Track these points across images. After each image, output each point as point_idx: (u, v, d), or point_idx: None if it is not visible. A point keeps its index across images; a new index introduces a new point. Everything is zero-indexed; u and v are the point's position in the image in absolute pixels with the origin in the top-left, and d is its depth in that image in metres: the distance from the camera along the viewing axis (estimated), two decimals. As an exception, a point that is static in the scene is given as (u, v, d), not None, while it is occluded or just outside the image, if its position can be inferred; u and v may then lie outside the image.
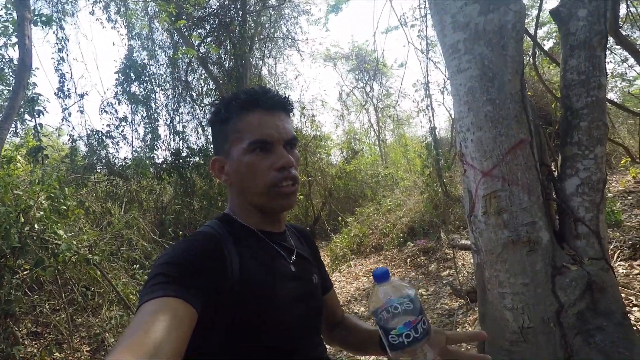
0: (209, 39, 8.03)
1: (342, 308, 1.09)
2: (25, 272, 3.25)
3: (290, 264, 0.83)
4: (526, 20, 2.06)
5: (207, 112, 8.10)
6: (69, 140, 6.47)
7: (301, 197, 9.77)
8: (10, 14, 4.50)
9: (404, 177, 10.47)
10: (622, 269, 3.14)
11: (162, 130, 7.64)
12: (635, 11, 4.14)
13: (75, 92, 6.55)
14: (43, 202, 3.21)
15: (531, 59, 2.99)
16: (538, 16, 2.98)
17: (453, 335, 0.82)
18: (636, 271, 3.06)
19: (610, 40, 2.32)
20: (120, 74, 6.78)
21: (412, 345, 0.66)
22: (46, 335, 3.76)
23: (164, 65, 8.10)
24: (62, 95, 6.39)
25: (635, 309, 2.55)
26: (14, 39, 4.24)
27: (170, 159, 7.33)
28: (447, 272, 4.56)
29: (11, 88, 3.70)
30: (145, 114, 7.13)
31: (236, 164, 0.79)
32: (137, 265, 4.26)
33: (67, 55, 6.37)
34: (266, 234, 0.83)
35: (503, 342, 1.84)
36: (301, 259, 0.88)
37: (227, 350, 0.70)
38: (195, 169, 7.39)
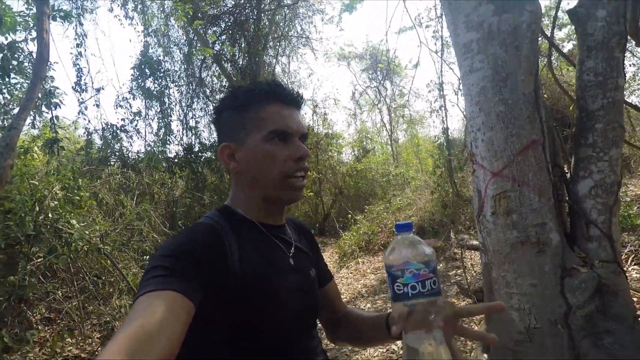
0: (223, 37, 8.10)
1: (344, 303, 1.05)
2: (39, 260, 3.34)
3: (290, 257, 0.83)
4: (544, 21, 2.04)
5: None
6: (84, 133, 6.61)
7: (311, 194, 9.80)
8: (31, 9, 4.61)
9: (415, 177, 10.43)
10: (636, 273, 3.08)
11: (175, 126, 7.76)
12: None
13: (92, 87, 6.69)
14: (58, 192, 3.30)
15: (547, 60, 2.95)
16: (555, 17, 2.93)
17: (464, 312, 0.72)
18: (650, 276, 3.01)
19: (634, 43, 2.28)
20: (135, 70, 6.90)
21: (416, 298, 0.61)
22: (59, 321, 3.85)
23: (179, 62, 8.20)
24: (79, 89, 6.52)
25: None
26: (34, 34, 4.35)
27: (182, 153, 7.42)
28: (455, 271, 4.53)
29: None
30: (159, 109, 7.24)
31: (252, 151, 0.79)
32: (147, 257, 4.34)
33: (85, 50, 6.50)
34: (266, 227, 0.83)
35: (508, 342, 1.83)
36: (300, 252, 0.88)
37: (225, 342, 0.70)
38: (206, 164, 7.48)
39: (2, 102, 4.54)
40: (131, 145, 6.94)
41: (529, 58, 1.73)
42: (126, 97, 6.93)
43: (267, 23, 8.75)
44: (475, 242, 4.93)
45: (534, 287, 1.73)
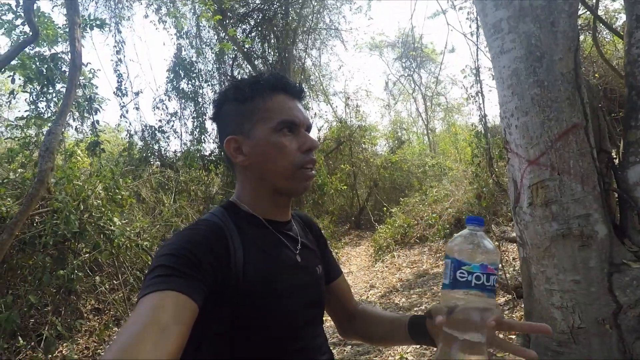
0: (253, 34, 8.18)
1: (356, 300, 1.02)
2: (86, 255, 3.56)
3: (296, 254, 0.82)
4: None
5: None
6: (126, 135, 6.96)
7: (345, 187, 9.74)
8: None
9: (453, 167, 10.07)
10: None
11: (210, 124, 7.97)
12: None
13: (132, 91, 7.02)
14: (100, 192, 3.48)
15: (592, 34, 2.70)
16: (601, -14, 2.67)
17: (505, 325, 0.64)
18: None
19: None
20: (170, 72, 7.15)
21: (478, 289, 0.59)
22: (107, 311, 4.10)
23: (211, 62, 8.39)
24: (120, 94, 6.87)
25: None
26: (75, 44, 4.62)
27: (217, 151, 7.62)
28: (496, 266, 4.32)
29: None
30: (193, 109, 7.47)
31: (261, 143, 0.77)
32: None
33: (124, 56, 6.82)
34: (272, 223, 0.81)
35: (550, 342, 1.70)
36: (306, 248, 0.86)
37: (227, 340, 0.70)
38: (240, 160, 7.61)
39: (53, 110, 4.87)
40: (168, 145, 7.24)
41: (567, 34, 1.57)
42: (162, 99, 7.21)
43: (295, 17, 8.73)
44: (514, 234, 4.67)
45: (577, 283, 1.60)
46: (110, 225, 3.47)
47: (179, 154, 6.96)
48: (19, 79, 4.49)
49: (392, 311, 3.85)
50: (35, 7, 3.69)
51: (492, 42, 1.77)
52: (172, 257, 0.63)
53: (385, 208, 9.11)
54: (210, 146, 7.82)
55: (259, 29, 8.29)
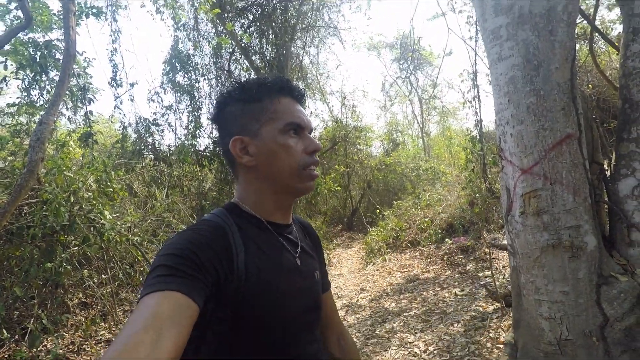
0: (251, 29, 8.13)
1: (340, 320, 1.03)
2: (74, 248, 3.50)
3: (296, 257, 0.83)
4: (589, 1, 1.86)
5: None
6: (120, 126, 6.87)
7: (339, 188, 9.75)
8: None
9: (446, 172, 10.11)
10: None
11: (205, 119, 7.91)
12: None
13: (127, 82, 6.93)
14: (92, 184, 3.43)
15: (589, 45, 2.71)
16: (600, -3, 2.68)
17: None
18: None
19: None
20: (166, 64, 7.07)
21: None
22: (94, 306, 4.05)
23: (208, 56, 8.32)
24: (114, 85, 6.77)
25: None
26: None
27: (211, 146, 7.57)
28: (484, 272, 4.34)
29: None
30: (189, 103, 7.40)
31: (269, 143, 0.78)
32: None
33: (120, 46, 6.72)
34: (273, 225, 0.82)
35: (537, 353, 1.71)
36: (305, 253, 0.87)
37: (226, 342, 0.70)
38: (235, 157, 7.57)
39: (46, 98, 4.79)
40: (162, 138, 7.15)
41: (565, 43, 1.57)
42: (158, 92, 7.13)
43: (294, 13, 8.69)
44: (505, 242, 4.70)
45: (565, 294, 1.60)
46: (101, 219, 3.42)
47: (172, 148, 6.90)
48: (12, 65, 4.42)
49: (382, 316, 3.85)
50: (29, -7, 3.62)
51: (490, 49, 1.77)
52: (174, 257, 0.64)
53: (378, 210, 9.13)
54: (204, 141, 7.78)
55: (258, 24, 8.23)
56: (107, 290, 3.89)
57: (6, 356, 3.03)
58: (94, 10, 4.65)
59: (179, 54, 6.98)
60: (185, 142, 7.13)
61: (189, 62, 7.25)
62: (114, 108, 6.78)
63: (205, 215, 0.82)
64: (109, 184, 3.79)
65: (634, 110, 1.63)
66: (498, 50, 1.71)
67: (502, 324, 2.87)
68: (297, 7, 8.64)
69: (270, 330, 0.73)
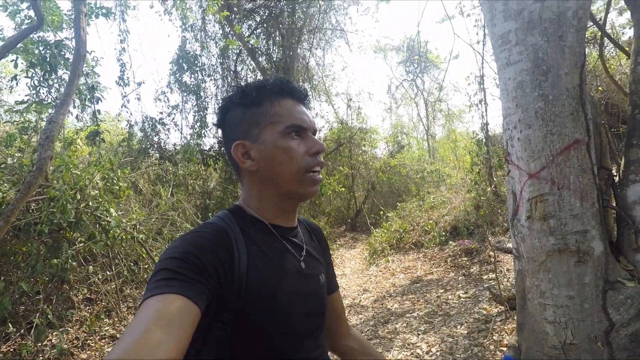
0: (258, 31, 8.16)
1: (348, 323, 1.02)
2: (80, 245, 3.54)
3: (301, 260, 0.81)
4: (599, 5, 1.86)
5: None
6: (126, 125, 6.92)
7: (343, 189, 9.74)
8: (78, 7, 4.87)
9: (451, 174, 10.08)
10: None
11: (211, 119, 7.94)
12: None
13: (134, 81, 6.98)
14: (98, 182, 3.46)
15: (599, 50, 2.70)
16: (609, 1, 2.68)
17: None
18: None
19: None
20: (173, 64, 7.11)
21: None
22: (99, 302, 4.08)
23: (215, 56, 8.36)
24: (122, 84, 6.82)
25: None
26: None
27: (216, 146, 7.60)
28: (489, 275, 4.33)
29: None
30: (195, 103, 7.44)
31: (270, 147, 0.77)
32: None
33: (128, 46, 6.78)
34: (278, 229, 0.81)
35: (541, 356, 1.70)
36: (310, 256, 0.86)
37: (228, 346, 0.70)
38: (240, 157, 7.60)
39: (54, 96, 4.84)
40: (168, 137, 7.20)
41: (574, 49, 1.57)
42: (164, 91, 7.18)
43: (301, 15, 8.71)
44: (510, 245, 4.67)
45: (571, 299, 1.60)
46: (107, 216, 3.45)
47: (178, 147, 6.94)
48: (22, 63, 4.47)
49: (384, 317, 3.85)
50: (41, -7, 3.67)
51: (499, 53, 1.77)
52: (177, 261, 0.63)
53: (382, 212, 9.11)
54: (210, 141, 7.81)
55: (265, 25, 8.26)
56: (112, 287, 3.93)
57: (12, 350, 3.07)
58: (104, 11, 4.70)
59: (186, 55, 7.02)
60: (191, 141, 7.16)
61: (196, 62, 7.29)
62: (121, 107, 6.83)
63: (210, 218, 0.82)
64: (115, 182, 3.82)
65: (643, 116, 1.62)
66: (507, 54, 1.72)
67: (505, 327, 2.86)
68: (304, 9, 8.66)
69: (272, 334, 0.72)
